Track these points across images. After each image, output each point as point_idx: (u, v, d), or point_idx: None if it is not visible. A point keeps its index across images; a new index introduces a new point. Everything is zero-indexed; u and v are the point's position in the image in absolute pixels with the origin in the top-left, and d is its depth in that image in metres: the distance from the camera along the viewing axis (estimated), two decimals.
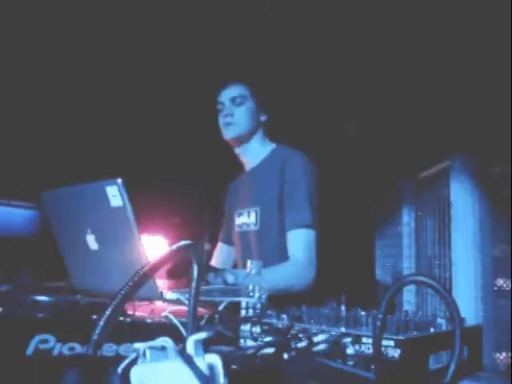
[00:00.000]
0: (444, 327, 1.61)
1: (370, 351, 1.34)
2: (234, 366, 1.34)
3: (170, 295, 1.89)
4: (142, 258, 1.71)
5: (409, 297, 3.06)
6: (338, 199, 2.77)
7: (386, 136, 3.34)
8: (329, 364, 1.35)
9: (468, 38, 3.11)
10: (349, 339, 1.40)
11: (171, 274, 2.10)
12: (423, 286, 1.50)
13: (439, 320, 1.65)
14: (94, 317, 1.61)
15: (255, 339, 1.44)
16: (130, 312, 1.73)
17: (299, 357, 1.38)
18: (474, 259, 2.39)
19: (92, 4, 3.19)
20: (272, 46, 3.37)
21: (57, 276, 1.97)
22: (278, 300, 1.75)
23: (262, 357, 1.38)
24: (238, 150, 2.60)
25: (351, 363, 1.38)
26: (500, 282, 2.31)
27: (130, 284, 1.15)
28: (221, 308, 1.76)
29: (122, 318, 1.69)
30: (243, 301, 1.63)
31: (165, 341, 1.10)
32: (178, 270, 2.04)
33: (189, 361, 1.09)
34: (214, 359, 1.10)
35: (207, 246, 2.81)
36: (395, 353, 1.32)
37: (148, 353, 1.08)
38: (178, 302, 1.87)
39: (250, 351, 1.39)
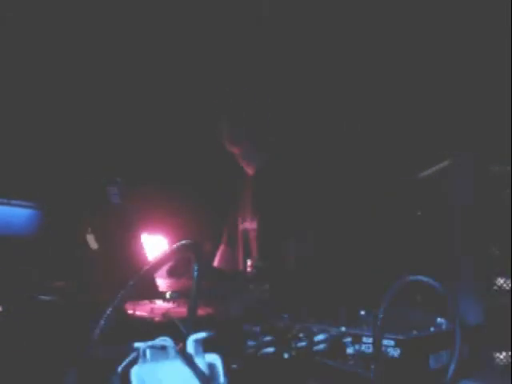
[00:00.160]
0: (444, 327, 1.61)
1: (370, 351, 1.34)
2: (234, 365, 1.34)
3: (169, 295, 1.89)
4: (142, 256, 1.71)
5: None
6: (337, 199, 2.77)
7: (385, 136, 3.34)
8: (329, 363, 1.36)
9: (468, 37, 3.11)
10: (349, 339, 1.40)
11: (171, 273, 2.10)
12: (423, 285, 1.50)
13: (439, 320, 1.64)
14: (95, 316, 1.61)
15: (256, 338, 1.45)
16: (130, 311, 1.73)
17: (299, 356, 1.38)
18: (474, 258, 2.39)
19: (90, 5, 3.19)
20: (271, 46, 3.37)
21: (57, 276, 1.97)
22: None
23: (262, 356, 1.39)
24: (240, 163, 2.62)
25: (351, 362, 1.38)
26: (500, 281, 2.30)
27: (131, 284, 1.15)
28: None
29: (121, 318, 1.69)
30: None
31: (165, 340, 1.10)
32: (178, 268, 2.04)
33: (189, 360, 1.09)
34: (214, 359, 1.10)
35: (208, 247, 2.81)
36: (395, 352, 1.32)
37: (148, 352, 1.08)
38: (177, 301, 1.87)
39: (250, 350, 1.39)
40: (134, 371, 1.03)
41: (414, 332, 1.45)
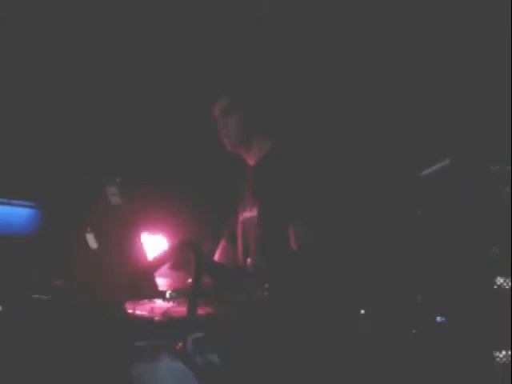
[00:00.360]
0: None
1: None
2: None
3: (169, 294, 1.89)
4: (141, 256, 1.71)
5: None
6: (337, 196, 2.77)
7: (385, 135, 3.34)
8: None
9: (468, 37, 3.11)
10: None
11: (173, 267, 2.10)
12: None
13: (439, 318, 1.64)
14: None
15: None
16: (130, 310, 1.73)
17: None
18: (474, 257, 2.39)
19: (90, 5, 3.19)
20: (271, 46, 3.37)
21: (56, 275, 1.97)
22: None
23: None
24: (241, 153, 2.61)
25: None
26: (500, 280, 2.31)
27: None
28: None
29: (121, 317, 1.70)
30: None
31: None
32: (179, 262, 2.04)
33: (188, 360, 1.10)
34: (213, 357, 1.10)
35: (209, 246, 2.80)
36: None
37: None
38: (177, 300, 1.87)
39: None
40: None
41: None
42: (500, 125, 2.76)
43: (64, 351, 1.57)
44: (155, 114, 3.53)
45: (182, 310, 1.73)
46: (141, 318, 1.71)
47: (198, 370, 1.58)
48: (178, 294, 1.88)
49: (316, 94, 3.37)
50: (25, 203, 2.15)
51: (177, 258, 2.01)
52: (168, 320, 1.67)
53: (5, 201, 2.13)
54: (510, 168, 2.60)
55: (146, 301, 1.86)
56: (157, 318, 1.68)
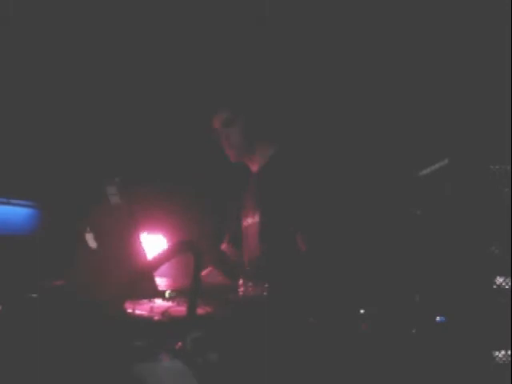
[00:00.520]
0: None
1: None
2: None
3: (169, 294, 1.89)
4: (141, 256, 1.71)
5: None
6: (336, 199, 2.77)
7: (384, 136, 3.34)
8: None
9: (468, 38, 3.11)
10: None
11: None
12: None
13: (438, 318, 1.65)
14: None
15: None
16: (129, 310, 1.73)
17: None
18: (473, 257, 2.39)
19: (90, 5, 3.19)
20: (271, 53, 3.37)
21: (56, 274, 1.97)
22: None
23: None
24: (244, 161, 2.61)
25: None
26: (499, 280, 2.31)
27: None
28: None
29: (121, 317, 1.70)
30: None
31: None
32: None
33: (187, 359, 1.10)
34: (213, 357, 1.11)
35: (207, 245, 2.80)
36: None
37: None
38: (177, 300, 1.87)
39: None
40: None
41: None
42: (500, 125, 2.76)
43: (64, 351, 1.58)
44: (155, 114, 3.53)
45: (181, 309, 1.73)
46: (140, 318, 1.71)
47: (198, 369, 1.58)
48: (177, 293, 1.88)
49: (315, 97, 3.37)
50: (24, 203, 2.15)
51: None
52: (167, 320, 1.68)
53: (4, 200, 2.13)
54: (509, 168, 2.61)
55: (146, 300, 1.86)
56: (156, 318, 1.68)
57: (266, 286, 1.94)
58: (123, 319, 1.68)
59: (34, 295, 1.73)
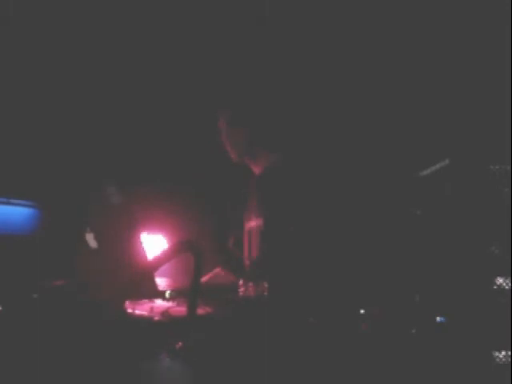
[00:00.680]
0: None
1: None
2: None
3: (169, 294, 1.89)
4: (141, 256, 1.71)
5: None
6: (336, 199, 2.77)
7: (384, 136, 3.34)
8: None
9: (468, 38, 3.11)
10: None
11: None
12: None
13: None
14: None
15: None
16: (129, 310, 1.73)
17: None
18: (473, 257, 2.39)
19: (90, 5, 3.19)
20: (275, 56, 3.36)
21: (56, 274, 1.97)
22: None
23: None
24: (246, 162, 2.61)
25: None
26: (499, 280, 2.31)
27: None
28: None
29: (121, 317, 1.70)
30: None
31: None
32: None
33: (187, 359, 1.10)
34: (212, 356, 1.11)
35: (207, 244, 2.80)
36: None
37: None
38: (177, 300, 1.87)
39: None
40: None
41: None
42: (500, 125, 2.75)
43: (64, 351, 1.58)
44: (155, 114, 3.53)
45: (181, 309, 1.73)
46: (140, 318, 1.71)
47: (198, 369, 1.59)
48: (177, 293, 1.88)
49: (316, 98, 3.37)
50: (24, 203, 2.15)
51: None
52: (167, 320, 1.68)
53: (4, 200, 2.13)
54: (509, 168, 2.60)
55: (146, 300, 1.86)
56: (156, 318, 1.68)
57: (266, 285, 1.94)
58: (123, 319, 1.68)
59: (34, 295, 1.73)
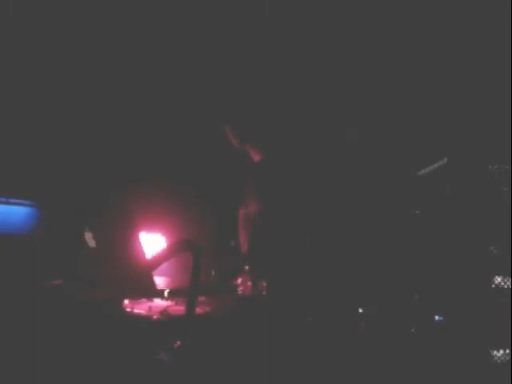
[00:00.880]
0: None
1: None
2: None
3: (168, 293, 1.89)
4: (140, 255, 1.71)
5: None
6: (336, 199, 2.77)
7: (383, 135, 3.34)
8: None
9: (468, 38, 3.11)
10: None
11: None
12: None
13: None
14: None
15: None
16: (128, 309, 1.74)
17: None
18: (472, 257, 2.39)
19: (94, 6, 3.19)
20: (273, 46, 3.37)
21: (55, 273, 1.97)
22: None
23: None
24: (246, 149, 2.63)
25: None
26: (498, 279, 2.31)
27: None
28: None
29: (120, 316, 1.70)
30: None
31: None
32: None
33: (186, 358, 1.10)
34: (210, 355, 1.11)
35: (206, 244, 2.80)
36: None
37: None
38: (176, 299, 1.87)
39: None
40: None
41: None
42: (499, 124, 2.75)
43: (63, 350, 1.58)
44: (155, 114, 3.53)
45: (180, 308, 1.73)
46: (139, 317, 1.71)
47: (196, 368, 1.59)
48: (176, 292, 1.88)
49: (313, 94, 3.37)
50: (23, 202, 2.15)
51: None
52: (166, 319, 1.68)
53: (3, 200, 2.14)
54: (508, 167, 2.61)
55: (145, 300, 1.86)
56: (155, 317, 1.68)
57: (265, 285, 1.94)
58: (122, 318, 1.68)
59: (34, 294, 1.73)
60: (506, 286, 2.30)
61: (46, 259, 2.00)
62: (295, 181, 2.36)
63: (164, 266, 2.05)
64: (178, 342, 1.57)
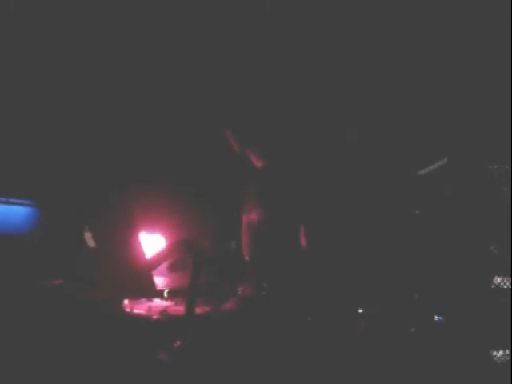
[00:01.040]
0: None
1: None
2: None
3: (167, 293, 1.89)
4: (139, 255, 1.71)
5: None
6: (335, 199, 2.78)
7: (383, 135, 3.34)
8: None
9: (468, 37, 3.11)
10: None
11: (172, 268, 2.10)
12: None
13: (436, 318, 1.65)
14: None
15: None
16: (128, 309, 1.74)
17: None
18: (472, 257, 2.39)
19: (92, 10, 3.20)
20: (273, 48, 3.37)
21: (54, 273, 1.97)
22: None
23: None
24: (247, 154, 2.63)
25: None
26: (497, 279, 2.31)
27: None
28: None
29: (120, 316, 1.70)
30: None
31: None
32: (177, 263, 2.04)
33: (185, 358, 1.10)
34: (210, 355, 1.11)
35: (206, 244, 2.81)
36: None
37: None
38: (175, 299, 1.87)
39: None
40: None
41: None
42: (499, 124, 2.75)
43: (63, 350, 1.58)
44: (155, 114, 3.53)
45: (179, 308, 1.73)
46: (139, 317, 1.71)
47: (196, 368, 1.59)
48: (175, 292, 1.88)
49: (313, 98, 3.37)
50: (23, 202, 2.15)
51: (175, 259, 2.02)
52: (166, 319, 1.68)
53: (3, 199, 2.14)
54: (508, 167, 2.61)
55: (144, 300, 1.86)
56: (155, 317, 1.68)
57: (265, 285, 1.94)
58: (122, 318, 1.68)
59: (34, 294, 1.73)
60: (505, 286, 2.30)
61: (45, 259, 2.00)
62: (296, 187, 2.37)
63: (164, 266, 2.06)
64: (178, 342, 1.57)
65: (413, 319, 2.40)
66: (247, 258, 2.42)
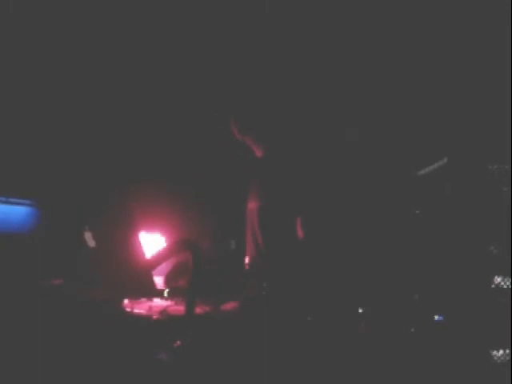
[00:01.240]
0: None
1: None
2: None
3: (167, 293, 1.89)
4: (139, 255, 1.71)
5: None
6: (335, 198, 2.77)
7: (383, 135, 3.34)
8: None
9: (468, 37, 3.11)
10: None
11: (168, 281, 2.10)
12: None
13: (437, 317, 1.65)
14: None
15: None
16: (128, 309, 1.74)
17: None
18: (472, 257, 2.39)
19: (92, 10, 3.20)
20: (274, 44, 3.36)
21: (54, 273, 1.97)
22: None
23: None
24: (248, 143, 2.63)
25: None
26: (498, 279, 2.31)
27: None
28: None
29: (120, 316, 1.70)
30: None
31: None
32: (174, 275, 2.04)
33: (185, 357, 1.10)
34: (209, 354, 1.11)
35: (206, 244, 2.81)
36: None
37: None
38: (175, 299, 1.87)
39: None
40: None
41: None
42: (499, 124, 2.75)
43: (63, 350, 1.58)
44: (155, 114, 3.53)
45: (179, 308, 1.73)
46: (139, 317, 1.71)
47: (196, 368, 1.59)
48: (175, 292, 1.88)
49: (314, 94, 3.37)
50: (23, 201, 2.15)
51: (171, 268, 2.01)
52: (166, 318, 1.68)
53: (3, 199, 2.14)
54: (508, 167, 2.61)
55: (144, 299, 1.86)
56: (155, 317, 1.69)
57: (265, 285, 1.94)
58: (122, 318, 1.68)
59: (34, 294, 1.73)
60: (505, 286, 2.30)
61: (45, 259, 2.00)
62: (295, 179, 2.36)
63: (163, 266, 2.05)
64: (178, 342, 1.57)
65: (413, 319, 2.40)
66: (247, 257, 2.42)
